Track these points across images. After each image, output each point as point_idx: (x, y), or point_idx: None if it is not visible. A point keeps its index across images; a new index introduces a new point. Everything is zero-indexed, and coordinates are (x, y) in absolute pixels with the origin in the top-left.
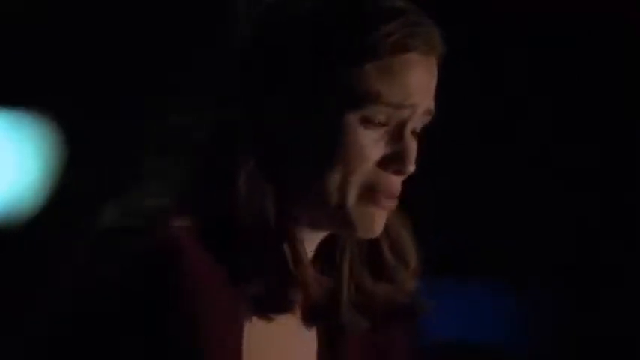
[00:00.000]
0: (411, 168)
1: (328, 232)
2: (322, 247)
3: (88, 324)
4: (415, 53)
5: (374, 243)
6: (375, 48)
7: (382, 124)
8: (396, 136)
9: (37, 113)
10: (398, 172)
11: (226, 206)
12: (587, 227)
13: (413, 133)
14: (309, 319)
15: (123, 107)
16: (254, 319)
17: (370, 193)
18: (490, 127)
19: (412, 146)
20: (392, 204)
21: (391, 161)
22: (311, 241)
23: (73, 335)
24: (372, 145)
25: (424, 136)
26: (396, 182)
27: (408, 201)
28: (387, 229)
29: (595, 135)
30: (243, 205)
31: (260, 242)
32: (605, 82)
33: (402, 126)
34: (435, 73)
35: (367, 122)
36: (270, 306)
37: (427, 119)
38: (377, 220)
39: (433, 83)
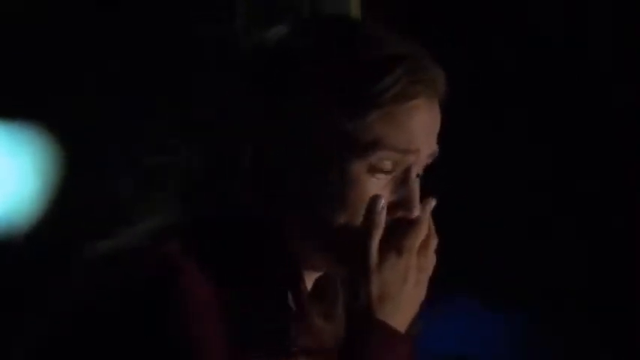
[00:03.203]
0: (416, 212)
1: (323, 271)
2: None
3: (86, 332)
4: (421, 98)
5: None
6: (378, 98)
7: (388, 172)
8: (401, 181)
9: (35, 125)
10: (404, 217)
11: (224, 237)
12: (583, 244)
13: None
14: None
15: (123, 119)
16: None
17: None
18: (491, 144)
19: (417, 190)
20: None
21: (397, 208)
22: (309, 280)
23: (71, 340)
24: (378, 193)
25: None
26: None
27: None
28: None
29: (595, 160)
30: (242, 238)
31: (262, 279)
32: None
33: (407, 171)
34: (439, 115)
35: (374, 170)
36: (274, 350)
37: (430, 160)
38: None
39: (437, 126)
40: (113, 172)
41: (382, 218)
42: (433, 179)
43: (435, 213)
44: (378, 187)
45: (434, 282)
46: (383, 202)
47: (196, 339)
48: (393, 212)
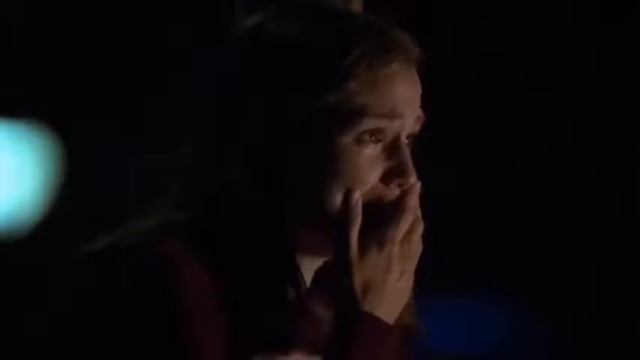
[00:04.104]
0: (413, 179)
1: (327, 257)
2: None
3: (86, 331)
4: (395, 64)
5: None
6: (353, 69)
7: (377, 141)
8: (392, 149)
9: (37, 124)
10: (401, 185)
11: (222, 232)
12: (587, 240)
13: (407, 141)
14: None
15: (124, 118)
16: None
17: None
18: (491, 143)
19: (408, 156)
20: None
21: (392, 176)
22: (310, 269)
23: (71, 339)
24: (370, 164)
25: (422, 150)
26: None
27: None
28: None
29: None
30: (240, 231)
31: (261, 273)
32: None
33: (396, 139)
34: (418, 80)
35: (361, 141)
36: (276, 342)
37: (418, 127)
38: None
39: (417, 91)
40: (113, 172)
41: (358, 210)
42: (443, 187)
43: (441, 214)
44: (369, 157)
45: (421, 271)
46: (358, 194)
47: (194, 335)
48: (389, 181)
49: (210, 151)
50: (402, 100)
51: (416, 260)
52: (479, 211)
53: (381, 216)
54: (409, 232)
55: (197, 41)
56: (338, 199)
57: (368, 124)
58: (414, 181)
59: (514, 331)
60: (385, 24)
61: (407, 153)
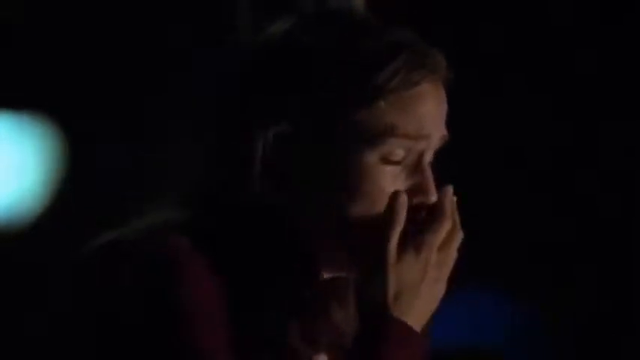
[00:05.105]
0: (433, 198)
1: (337, 270)
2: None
3: (87, 326)
4: (425, 84)
5: None
6: (384, 87)
7: (401, 159)
8: (414, 168)
9: (39, 116)
10: (420, 204)
11: (222, 232)
12: (589, 234)
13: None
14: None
15: (126, 110)
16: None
17: None
18: (490, 135)
19: (431, 176)
20: None
21: (413, 195)
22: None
23: (72, 337)
24: (392, 182)
25: None
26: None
27: None
28: None
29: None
30: (240, 231)
31: (282, 282)
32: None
33: (420, 157)
34: (445, 99)
35: (386, 159)
36: (292, 345)
37: (440, 144)
38: None
39: (444, 110)
40: (113, 172)
41: (403, 215)
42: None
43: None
44: (391, 175)
45: (452, 278)
46: (405, 198)
47: (195, 335)
48: (409, 200)
49: (210, 151)
50: (429, 120)
51: (450, 268)
52: (479, 212)
53: (415, 222)
54: (447, 240)
55: (197, 41)
56: (356, 215)
57: (394, 143)
58: (433, 201)
59: (514, 331)
60: (416, 39)
61: (429, 173)
